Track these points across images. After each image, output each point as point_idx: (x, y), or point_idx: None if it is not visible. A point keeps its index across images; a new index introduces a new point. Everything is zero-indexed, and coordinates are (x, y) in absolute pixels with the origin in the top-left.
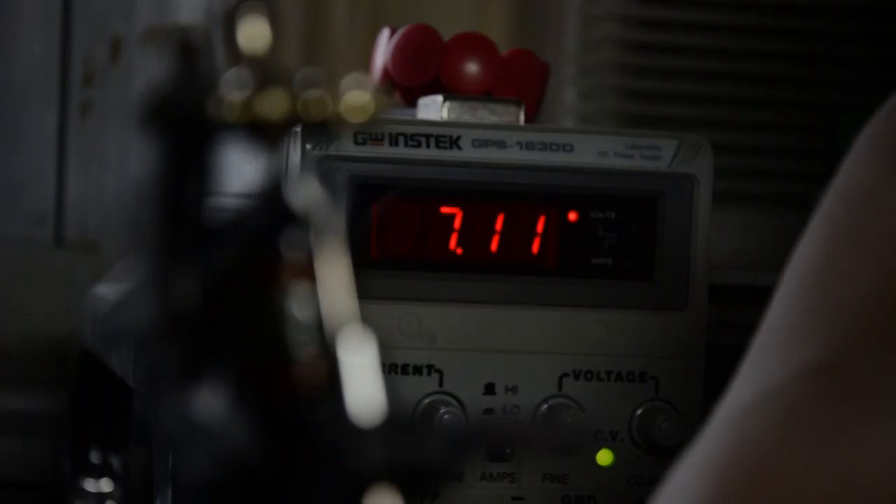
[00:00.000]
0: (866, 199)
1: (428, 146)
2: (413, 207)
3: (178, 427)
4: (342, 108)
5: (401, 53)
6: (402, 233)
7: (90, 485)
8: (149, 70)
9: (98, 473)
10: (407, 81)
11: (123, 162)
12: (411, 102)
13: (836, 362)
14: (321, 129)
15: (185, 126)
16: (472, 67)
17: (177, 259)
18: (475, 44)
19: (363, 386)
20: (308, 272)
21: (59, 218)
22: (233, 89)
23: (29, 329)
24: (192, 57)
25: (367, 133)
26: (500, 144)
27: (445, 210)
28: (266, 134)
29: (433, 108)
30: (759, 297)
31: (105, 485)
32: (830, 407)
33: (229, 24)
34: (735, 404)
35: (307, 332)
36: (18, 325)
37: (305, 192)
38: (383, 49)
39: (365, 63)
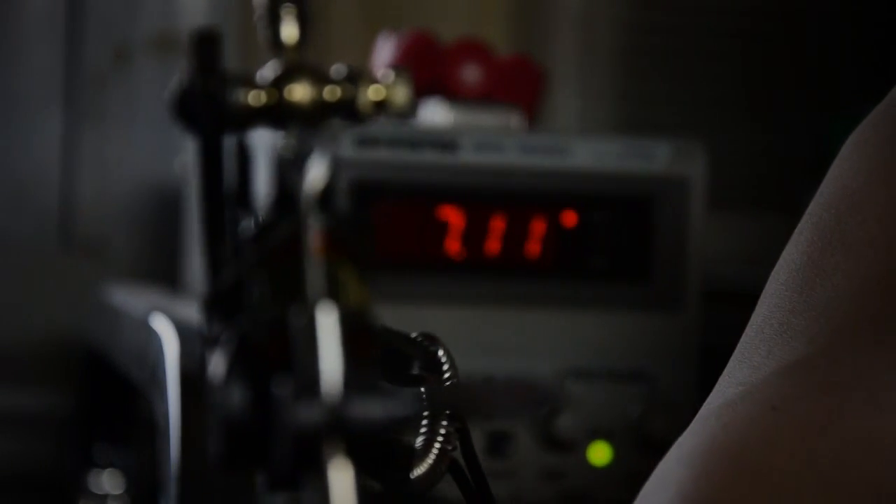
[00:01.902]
0: (850, 204)
1: (428, 150)
2: (413, 210)
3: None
4: (369, 94)
5: (400, 58)
6: (402, 235)
7: (94, 483)
8: (154, 74)
9: (102, 471)
10: None
11: (128, 164)
12: None
13: (818, 359)
14: (347, 114)
15: (209, 115)
16: (471, 72)
17: (218, 237)
18: (474, 49)
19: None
20: (306, 253)
21: (65, 219)
22: (267, 79)
23: (35, 329)
24: (209, 50)
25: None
26: (499, 148)
27: (445, 212)
28: (295, 120)
29: (433, 112)
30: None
31: (109, 482)
32: (812, 401)
33: (271, 21)
34: (718, 399)
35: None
36: (25, 324)
37: (315, 182)
38: (383, 53)
39: (365, 67)
